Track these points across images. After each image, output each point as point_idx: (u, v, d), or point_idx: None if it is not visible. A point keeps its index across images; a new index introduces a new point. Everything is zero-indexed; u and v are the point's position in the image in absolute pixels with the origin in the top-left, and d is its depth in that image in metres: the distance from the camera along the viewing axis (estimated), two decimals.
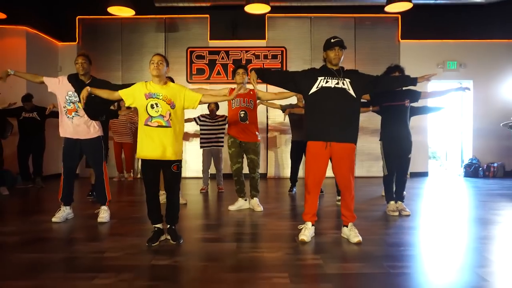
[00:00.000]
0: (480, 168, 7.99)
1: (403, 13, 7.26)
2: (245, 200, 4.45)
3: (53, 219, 3.78)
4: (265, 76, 3.24)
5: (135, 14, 6.78)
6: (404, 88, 3.90)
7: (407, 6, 6.16)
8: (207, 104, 5.69)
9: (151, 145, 2.92)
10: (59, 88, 3.70)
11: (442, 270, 2.43)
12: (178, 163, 3.05)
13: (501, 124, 7.49)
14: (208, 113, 5.76)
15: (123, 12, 6.49)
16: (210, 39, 8.13)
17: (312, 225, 3.15)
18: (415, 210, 4.38)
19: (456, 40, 8.13)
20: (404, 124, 4.11)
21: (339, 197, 4.54)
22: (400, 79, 3.31)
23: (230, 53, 8.05)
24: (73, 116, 3.68)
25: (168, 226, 3.11)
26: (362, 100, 3.39)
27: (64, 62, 8.14)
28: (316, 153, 3.02)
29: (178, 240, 3.04)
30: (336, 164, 3.07)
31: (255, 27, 8.04)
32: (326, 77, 2.96)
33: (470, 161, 8.16)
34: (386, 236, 3.31)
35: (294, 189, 5.68)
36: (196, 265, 2.58)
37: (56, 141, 7.71)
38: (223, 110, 5.74)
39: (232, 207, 4.37)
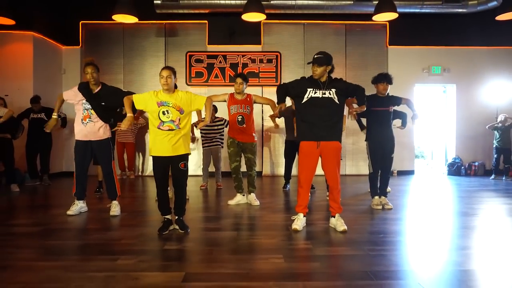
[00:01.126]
0: (463, 167, 8.49)
1: (391, 21, 7.71)
2: (243, 195, 4.85)
3: (68, 212, 4.14)
4: (278, 100, 3.62)
5: (138, 20, 7.15)
6: (389, 95, 4.58)
7: (393, 16, 6.60)
8: None
9: (162, 145, 3.32)
10: (75, 99, 4.07)
11: (417, 252, 2.88)
12: (185, 161, 3.44)
13: (486, 127, 8.01)
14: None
15: (127, 19, 6.86)
16: (208, 44, 8.54)
17: (304, 216, 3.56)
18: (399, 205, 4.83)
19: (440, 46, 8.63)
20: (388, 127, 4.58)
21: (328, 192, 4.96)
22: (360, 97, 3.60)
23: (227, 57, 8.45)
24: (87, 122, 4.04)
25: (176, 217, 3.51)
26: (354, 104, 3.82)
27: (68, 65, 8.49)
28: (308, 152, 3.45)
29: (186, 229, 3.44)
30: (325, 161, 3.49)
31: (251, 33, 8.46)
32: (314, 89, 3.41)
33: (453, 160, 8.66)
34: (369, 226, 3.75)
35: (288, 186, 6.10)
36: (202, 249, 2.99)
37: (60, 141, 8.10)
38: (221, 113, 6.14)
39: (231, 202, 4.77)
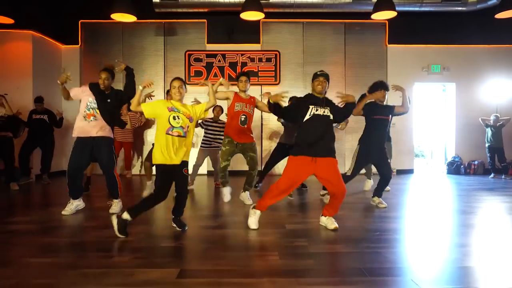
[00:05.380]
0: (462, 166, 8.49)
1: (390, 20, 7.70)
2: (229, 186, 4.82)
3: (63, 212, 4.10)
4: (276, 111, 3.58)
5: (136, 19, 7.15)
6: (389, 105, 4.64)
7: (391, 14, 6.59)
8: (212, 108, 5.99)
9: (168, 152, 3.25)
10: (82, 96, 4.08)
11: (413, 250, 2.89)
12: (187, 167, 3.44)
13: (480, 119, 8.04)
14: (212, 117, 6.07)
15: (126, 18, 6.86)
16: (207, 43, 8.54)
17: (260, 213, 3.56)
18: (397, 203, 4.84)
19: (439, 45, 8.62)
20: (385, 135, 4.64)
21: (325, 191, 4.99)
22: (349, 108, 3.63)
23: (226, 56, 8.46)
24: (91, 120, 4.03)
25: (174, 217, 3.52)
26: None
27: (67, 64, 8.50)
28: (300, 164, 3.39)
29: (183, 228, 3.45)
30: (327, 177, 3.40)
31: (250, 31, 8.46)
32: (315, 106, 3.44)
33: (452, 159, 8.65)
34: (365, 223, 3.76)
35: (260, 184, 6.00)
36: (198, 246, 3.00)
37: (60, 140, 8.12)
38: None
39: (226, 199, 4.76)
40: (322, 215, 3.62)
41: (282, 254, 2.75)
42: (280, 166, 5.45)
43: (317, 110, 3.43)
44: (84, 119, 4.04)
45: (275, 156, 5.80)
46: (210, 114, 6.21)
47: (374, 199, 4.67)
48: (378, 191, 4.66)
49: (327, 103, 3.53)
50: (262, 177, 6.04)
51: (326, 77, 3.52)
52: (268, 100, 3.47)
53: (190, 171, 5.82)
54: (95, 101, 4.03)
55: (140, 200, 3.35)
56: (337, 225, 3.45)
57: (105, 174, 4.20)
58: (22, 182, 6.57)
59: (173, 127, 3.27)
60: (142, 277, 2.29)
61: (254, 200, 4.84)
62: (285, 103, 3.54)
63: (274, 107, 3.45)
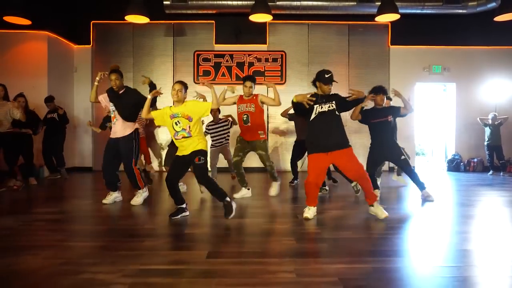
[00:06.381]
0: (462, 163, 8.76)
1: (393, 22, 7.95)
2: (248, 189, 5.05)
3: (103, 201, 4.47)
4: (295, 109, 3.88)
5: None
6: (386, 106, 4.85)
7: (395, 17, 6.86)
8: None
9: (182, 148, 3.74)
10: (106, 102, 4.50)
11: (417, 235, 3.16)
12: (200, 155, 3.70)
13: (478, 118, 8.32)
14: (212, 119, 6.32)
15: (139, 19, 7.13)
16: (215, 43, 8.82)
17: (314, 207, 3.80)
18: (400, 197, 5.12)
19: (441, 46, 8.89)
20: (389, 135, 4.81)
21: (354, 183, 5.25)
22: (353, 103, 3.81)
23: (234, 56, 8.73)
24: (115, 122, 4.42)
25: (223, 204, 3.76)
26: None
27: (79, 63, 8.78)
28: (318, 160, 3.68)
29: (227, 215, 3.63)
30: (344, 167, 3.75)
31: (257, 32, 8.73)
32: (320, 104, 3.69)
33: (452, 156, 8.93)
34: (372, 215, 4.01)
35: (296, 181, 6.33)
36: (220, 232, 3.26)
37: (72, 138, 8.41)
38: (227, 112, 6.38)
39: (236, 195, 4.98)
40: (369, 205, 3.80)
41: (298, 239, 3.02)
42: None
43: (321, 107, 3.68)
44: (112, 123, 4.45)
45: (295, 153, 6.16)
46: (210, 117, 6.45)
47: (423, 192, 4.86)
48: (419, 185, 4.90)
49: (331, 97, 3.73)
50: (294, 175, 6.35)
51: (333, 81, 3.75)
52: (292, 100, 3.71)
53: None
54: (113, 105, 4.40)
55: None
56: (387, 214, 3.67)
57: (125, 168, 4.54)
58: (50, 177, 7.01)
59: (177, 132, 3.71)
60: (175, 257, 2.56)
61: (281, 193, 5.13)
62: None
63: (296, 105, 3.72)
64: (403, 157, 4.86)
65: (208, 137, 6.40)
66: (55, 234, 3.17)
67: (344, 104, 3.74)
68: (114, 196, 4.55)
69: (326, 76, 3.68)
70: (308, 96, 3.62)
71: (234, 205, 3.70)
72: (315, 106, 3.69)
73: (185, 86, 3.76)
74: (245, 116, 4.75)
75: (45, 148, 7.05)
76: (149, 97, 3.89)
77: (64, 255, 2.60)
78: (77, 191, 5.75)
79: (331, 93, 3.79)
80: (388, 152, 4.81)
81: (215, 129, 6.27)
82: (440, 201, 4.81)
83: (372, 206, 3.77)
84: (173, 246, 2.85)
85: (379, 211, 3.71)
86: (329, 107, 3.68)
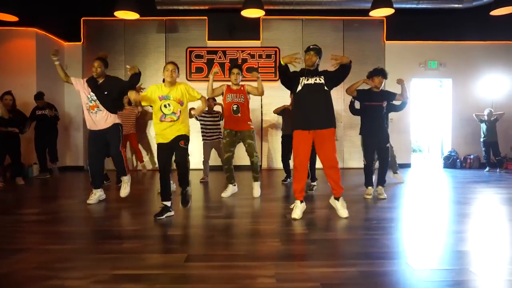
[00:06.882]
0: (458, 160, 8.65)
1: (388, 17, 7.83)
2: (234, 185, 4.93)
3: (88, 201, 4.34)
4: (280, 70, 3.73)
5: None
6: (381, 90, 4.75)
7: (389, 11, 6.74)
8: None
9: (165, 134, 3.62)
10: (83, 89, 4.29)
11: (409, 236, 3.05)
12: (184, 140, 3.68)
13: (473, 114, 8.22)
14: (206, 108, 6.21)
15: (129, 15, 6.98)
16: (208, 40, 8.67)
17: (301, 202, 3.67)
18: (394, 195, 5.00)
19: (436, 42, 8.76)
20: (381, 120, 4.72)
21: (313, 183, 5.28)
22: (342, 70, 3.66)
23: (227, 53, 8.59)
24: (96, 111, 4.26)
25: (180, 189, 3.78)
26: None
27: (70, 61, 8.59)
28: (301, 139, 3.59)
29: (185, 204, 3.70)
30: (320, 147, 3.61)
31: (250, 28, 8.58)
32: (306, 77, 3.61)
33: (449, 153, 8.82)
34: (363, 213, 3.92)
35: (289, 179, 6.22)
36: (203, 234, 3.15)
37: (66, 136, 8.27)
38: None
39: (224, 194, 4.85)
40: (334, 197, 3.71)
41: (284, 240, 2.90)
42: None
43: (308, 79, 3.58)
44: (89, 111, 4.27)
45: (285, 150, 6.06)
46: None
47: (377, 189, 4.79)
48: (380, 179, 4.80)
49: (319, 72, 3.65)
50: (287, 173, 6.26)
51: (316, 50, 3.65)
52: (279, 62, 3.60)
53: (200, 166, 5.98)
54: (94, 94, 4.25)
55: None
56: (348, 215, 3.58)
57: (113, 154, 4.44)
58: (40, 177, 6.87)
59: (165, 114, 3.59)
60: (152, 261, 2.44)
61: (263, 193, 4.99)
62: (295, 68, 3.76)
63: (280, 67, 3.61)
64: (388, 144, 4.80)
65: (199, 126, 6.34)
66: (33, 237, 3.06)
67: (331, 75, 3.64)
68: (98, 195, 4.43)
69: (311, 46, 3.68)
70: (297, 59, 3.49)
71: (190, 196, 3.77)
72: (301, 78, 3.60)
73: (177, 66, 3.69)
74: (235, 106, 4.66)
75: (38, 145, 6.92)
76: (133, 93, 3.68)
77: (38, 258, 2.48)
78: (65, 191, 5.63)
79: (318, 69, 3.70)
80: (377, 137, 4.69)
81: (206, 119, 6.17)
82: (435, 199, 4.71)
83: (337, 200, 3.68)
84: (152, 248, 2.73)
85: (341, 208, 3.62)
86: (315, 80, 3.58)
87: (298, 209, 3.62)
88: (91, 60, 8.28)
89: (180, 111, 3.63)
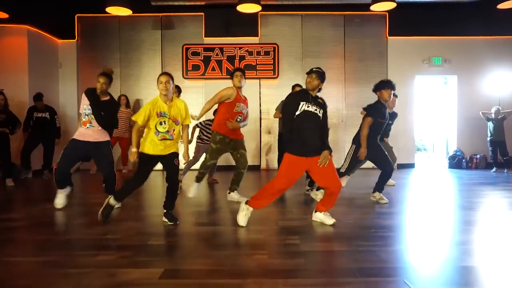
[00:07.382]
0: (464, 160, 8.35)
1: (390, 11, 7.55)
2: (198, 184, 4.64)
3: (57, 206, 4.13)
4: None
5: (132, 13, 7.05)
6: (390, 112, 4.77)
7: (391, 5, 6.46)
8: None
9: (155, 147, 3.40)
10: (81, 103, 4.07)
11: (408, 248, 2.79)
12: (177, 158, 3.49)
13: (480, 112, 7.92)
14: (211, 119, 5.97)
15: (121, 11, 6.78)
16: (205, 37, 8.43)
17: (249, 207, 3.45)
18: (396, 198, 4.74)
19: (441, 37, 8.45)
20: (381, 137, 4.69)
21: (309, 187, 5.04)
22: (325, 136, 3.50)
23: (224, 50, 8.34)
24: (87, 127, 4.00)
25: (165, 211, 3.50)
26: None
27: (64, 59, 8.44)
28: (296, 164, 3.31)
29: (175, 221, 3.45)
30: (321, 173, 3.34)
31: (248, 24, 8.33)
32: (306, 102, 3.34)
33: (454, 153, 8.52)
34: (361, 220, 3.66)
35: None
36: (187, 244, 2.93)
37: (61, 141, 8.11)
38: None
39: (191, 194, 4.54)
40: (316, 211, 3.54)
41: (272, 252, 2.67)
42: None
43: (308, 106, 3.34)
44: (81, 126, 4.03)
45: (282, 150, 5.79)
46: (210, 116, 6.09)
47: (375, 194, 4.54)
48: (379, 186, 4.55)
49: (321, 104, 3.42)
50: None
51: (319, 74, 3.38)
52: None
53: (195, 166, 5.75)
54: (89, 107, 3.97)
55: (123, 184, 3.51)
56: (334, 220, 3.41)
57: (106, 174, 4.19)
58: (23, 177, 6.66)
59: (159, 132, 3.39)
60: (123, 277, 2.22)
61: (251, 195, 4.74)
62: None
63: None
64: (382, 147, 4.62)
65: (196, 131, 6.12)
66: (2, 246, 2.84)
67: (324, 120, 3.43)
68: (64, 194, 4.21)
69: (315, 69, 3.40)
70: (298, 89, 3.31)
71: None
72: (302, 103, 3.34)
73: (171, 77, 3.43)
74: (240, 117, 4.42)
75: (28, 146, 6.70)
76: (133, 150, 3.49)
77: None
78: (52, 194, 5.41)
79: (319, 97, 3.45)
80: (373, 149, 4.45)
81: (207, 124, 6.00)
82: (439, 204, 4.44)
83: (321, 213, 3.51)
84: (127, 262, 2.50)
85: (326, 217, 3.48)
86: (315, 109, 3.34)
87: (248, 213, 3.44)
88: (86, 58, 8.39)
89: (174, 130, 3.43)
